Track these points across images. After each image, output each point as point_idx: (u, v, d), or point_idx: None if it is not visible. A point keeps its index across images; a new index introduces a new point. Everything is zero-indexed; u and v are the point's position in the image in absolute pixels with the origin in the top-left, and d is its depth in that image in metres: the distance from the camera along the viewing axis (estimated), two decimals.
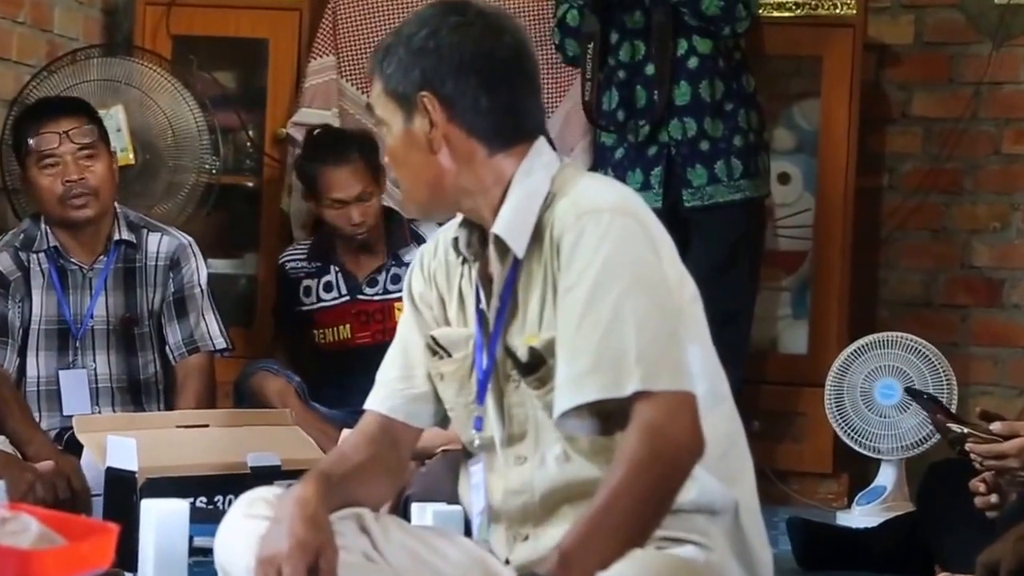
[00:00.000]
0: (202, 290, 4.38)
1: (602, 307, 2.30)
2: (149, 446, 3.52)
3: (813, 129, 5.23)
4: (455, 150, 2.43)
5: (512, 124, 2.44)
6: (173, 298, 4.35)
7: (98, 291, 4.28)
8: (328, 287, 4.74)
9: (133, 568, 2.96)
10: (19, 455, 3.86)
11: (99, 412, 4.23)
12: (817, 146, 5.17)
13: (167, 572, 2.97)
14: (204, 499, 3.57)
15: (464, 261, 2.52)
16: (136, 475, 3.46)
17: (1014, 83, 5.23)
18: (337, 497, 2.47)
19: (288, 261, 4.81)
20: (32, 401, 4.20)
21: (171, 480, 3.50)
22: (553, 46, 4.84)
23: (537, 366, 2.39)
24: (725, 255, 4.67)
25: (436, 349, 2.55)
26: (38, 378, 4.25)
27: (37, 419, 4.12)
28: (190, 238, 4.41)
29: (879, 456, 4.71)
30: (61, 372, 4.26)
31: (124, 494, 3.45)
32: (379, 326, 4.65)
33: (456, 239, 2.52)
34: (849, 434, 4.71)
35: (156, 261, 4.34)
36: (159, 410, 4.31)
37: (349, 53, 5.12)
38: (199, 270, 4.38)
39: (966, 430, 3.28)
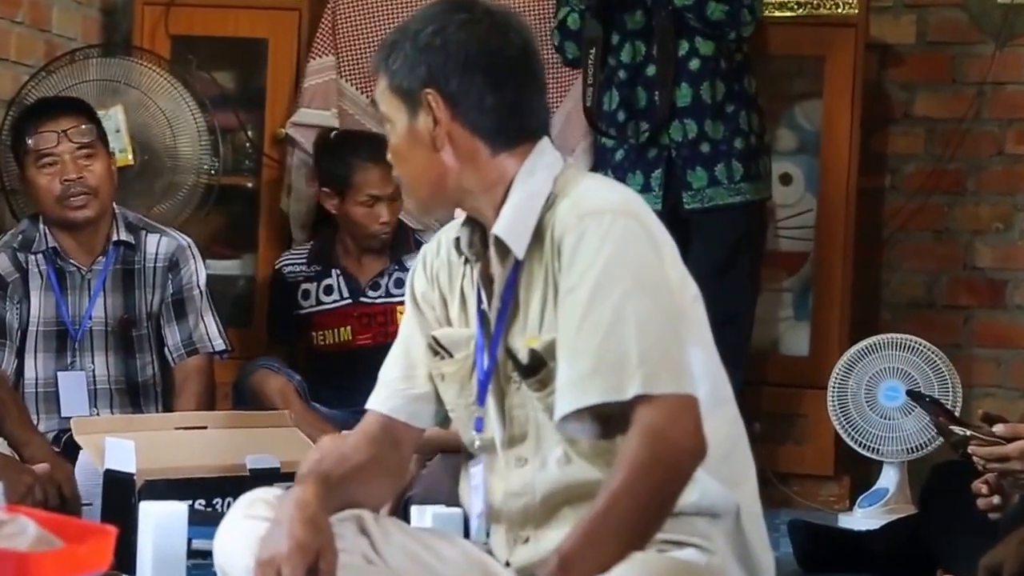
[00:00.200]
0: (201, 291, 4.37)
1: (603, 309, 2.29)
2: (147, 448, 3.51)
3: (815, 129, 5.22)
4: (458, 148, 2.42)
5: (516, 123, 2.43)
6: (172, 299, 4.35)
7: (97, 292, 4.27)
8: (328, 290, 4.73)
9: (131, 571, 2.96)
10: (16, 457, 3.85)
11: (97, 414, 4.23)
12: (819, 146, 5.16)
13: (165, 575, 2.96)
14: (203, 501, 3.57)
15: (466, 261, 2.51)
16: (134, 477, 3.46)
17: (1017, 83, 5.22)
18: (337, 499, 2.46)
19: (286, 265, 4.80)
20: (30, 403, 4.19)
21: (170, 482, 3.50)
22: (552, 47, 4.82)
23: (538, 368, 2.38)
24: (725, 256, 4.66)
25: (437, 349, 2.54)
26: (36, 380, 4.25)
27: (35, 421, 4.12)
28: (189, 239, 4.41)
29: (881, 458, 4.70)
30: (59, 374, 4.25)
31: (122, 496, 3.45)
32: (381, 328, 4.65)
33: (458, 239, 2.51)
34: (852, 436, 4.70)
35: (155, 262, 4.34)
36: (158, 412, 4.30)
37: (348, 53, 5.11)
38: (198, 271, 4.37)
39: (968, 432, 3.27)
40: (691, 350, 2.34)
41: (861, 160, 5.08)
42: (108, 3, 5.39)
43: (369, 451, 2.54)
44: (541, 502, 2.43)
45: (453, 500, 2.74)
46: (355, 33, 5.12)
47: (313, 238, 4.95)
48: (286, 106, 5.14)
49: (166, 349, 4.35)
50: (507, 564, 2.48)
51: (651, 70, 4.64)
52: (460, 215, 2.53)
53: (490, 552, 2.52)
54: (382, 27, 5.05)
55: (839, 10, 5.05)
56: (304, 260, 4.79)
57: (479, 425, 2.49)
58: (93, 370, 4.27)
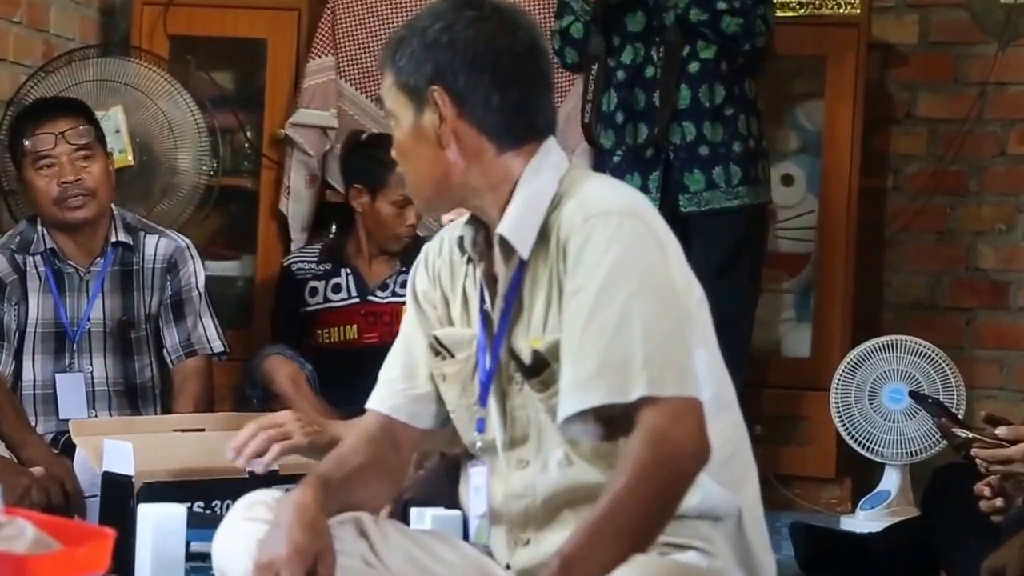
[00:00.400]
0: (200, 293, 4.36)
1: (609, 310, 2.28)
2: (146, 450, 3.51)
3: (817, 130, 5.21)
4: (464, 146, 2.41)
5: (523, 122, 2.42)
6: (170, 301, 4.34)
7: (95, 294, 4.26)
8: (336, 288, 4.75)
9: (130, 573, 2.95)
10: (14, 459, 3.85)
11: (95, 416, 4.22)
12: (821, 147, 5.15)
13: None
14: (201, 503, 3.56)
15: (469, 260, 2.50)
16: (133, 479, 3.46)
17: (1020, 83, 5.21)
18: (336, 502, 2.45)
19: (295, 262, 4.82)
20: (28, 405, 4.19)
21: (168, 484, 3.49)
22: (552, 49, 4.79)
23: (540, 369, 2.38)
24: (724, 259, 4.63)
25: (439, 349, 2.53)
26: (34, 382, 4.24)
27: (33, 423, 4.11)
28: (188, 240, 4.40)
29: (884, 461, 4.69)
30: (57, 375, 4.25)
31: (120, 498, 3.45)
32: (387, 327, 4.65)
33: (461, 238, 2.49)
34: (854, 438, 4.68)
35: (153, 264, 4.33)
36: (156, 414, 4.30)
37: (348, 53, 5.11)
38: (197, 273, 4.36)
39: (971, 435, 3.27)
40: (696, 352, 2.34)
41: (863, 161, 5.07)
42: (106, 3, 5.39)
43: (368, 452, 2.53)
44: (542, 504, 2.42)
45: (453, 502, 2.73)
46: (354, 33, 5.11)
47: (312, 239, 4.95)
48: (285, 106, 5.13)
49: (164, 351, 4.34)
50: (507, 567, 2.48)
51: (650, 71, 4.61)
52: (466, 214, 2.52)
53: (490, 554, 2.51)
54: (382, 27, 5.05)
55: (841, 10, 5.05)
56: (315, 258, 4.81)
57: (481, 426, 2.48)
58: (91, 372, 4.26)
